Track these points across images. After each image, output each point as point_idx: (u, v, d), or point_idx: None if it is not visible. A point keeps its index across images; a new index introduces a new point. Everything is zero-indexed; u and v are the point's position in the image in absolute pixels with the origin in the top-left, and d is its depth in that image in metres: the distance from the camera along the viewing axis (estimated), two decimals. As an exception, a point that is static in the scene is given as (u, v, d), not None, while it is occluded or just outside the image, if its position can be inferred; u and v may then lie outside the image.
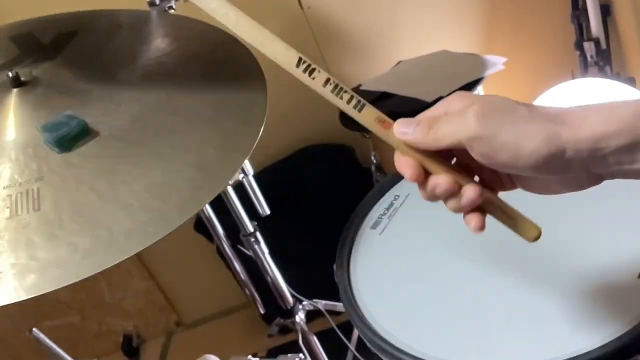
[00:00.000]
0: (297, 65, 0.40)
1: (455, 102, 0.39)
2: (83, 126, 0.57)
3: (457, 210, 0.40)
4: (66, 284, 0.44)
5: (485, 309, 0.55)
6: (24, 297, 0.44)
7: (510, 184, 0.42)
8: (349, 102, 0.40)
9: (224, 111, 0.58)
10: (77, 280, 0.44)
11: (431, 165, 0.40)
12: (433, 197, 0.40)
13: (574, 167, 0.37)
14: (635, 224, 0.57)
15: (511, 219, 0.41)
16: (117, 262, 0.44)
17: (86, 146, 0.56)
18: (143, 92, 0.64)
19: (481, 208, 0.40)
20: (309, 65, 0.40)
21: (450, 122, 0.38)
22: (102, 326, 1.64)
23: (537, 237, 0.40)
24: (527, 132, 0.36)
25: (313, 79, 0.40)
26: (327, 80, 0.40)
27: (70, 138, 0.56)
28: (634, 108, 0.35)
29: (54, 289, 0.44)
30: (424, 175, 0.40)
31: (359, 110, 0.40)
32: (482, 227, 0.40)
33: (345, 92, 0.40)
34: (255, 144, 0.53)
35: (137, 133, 0.57)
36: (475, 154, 0.37)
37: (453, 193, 0.39)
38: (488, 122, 0.36)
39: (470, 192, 0.39)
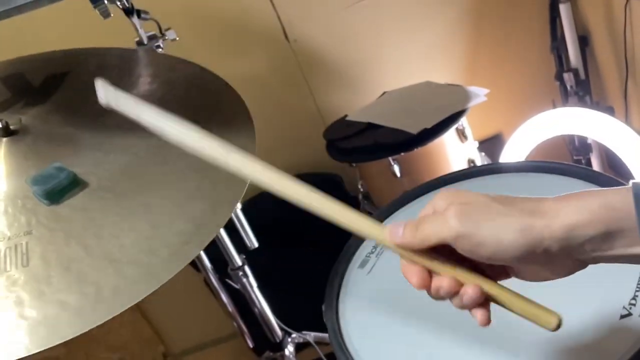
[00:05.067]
0: None
1: (439, 202, 0.41)
2: (72, 178, 0.57)
3: (462, 307, 0.41)
4: (55, 344, 0.44)
5: (478, 347, 0.55)
6: (12, 359, 0.44)
7: (504, 274, 0.43)
8: None
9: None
10: (64, 340, 0.43)
11: (432, 265, 0.41)
12: (438, 297, 0.42)
13: (555, 256, 0.38)
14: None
15: (523, 309, 0.40)
16: (105, 320, 0.44)
17: (75, 198, 0.56)
18: (132, 139, 0.64)
19: (485, 303, 0.41)
20: None
21: (434, 223, 0.40)
22: (89, 359, 1.62)
23: (558, 325, 0.39)
24: (504, 227, 0.38)
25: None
26: None
27: (59, 190, 0.56)
28: (603, 199, 0.38)
29: (43, 349, 0.44)
30: (430, 279, 0.41)
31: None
32: (487, 321, 0.41)
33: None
34: (243, 194, 0.53)
35: (126, 184, 0.57)
36: (461, 250, 0.40)
37: (456, 293, 0.41)
38: (467, 221, 0.39)
39: (470, 291, 0.40)
